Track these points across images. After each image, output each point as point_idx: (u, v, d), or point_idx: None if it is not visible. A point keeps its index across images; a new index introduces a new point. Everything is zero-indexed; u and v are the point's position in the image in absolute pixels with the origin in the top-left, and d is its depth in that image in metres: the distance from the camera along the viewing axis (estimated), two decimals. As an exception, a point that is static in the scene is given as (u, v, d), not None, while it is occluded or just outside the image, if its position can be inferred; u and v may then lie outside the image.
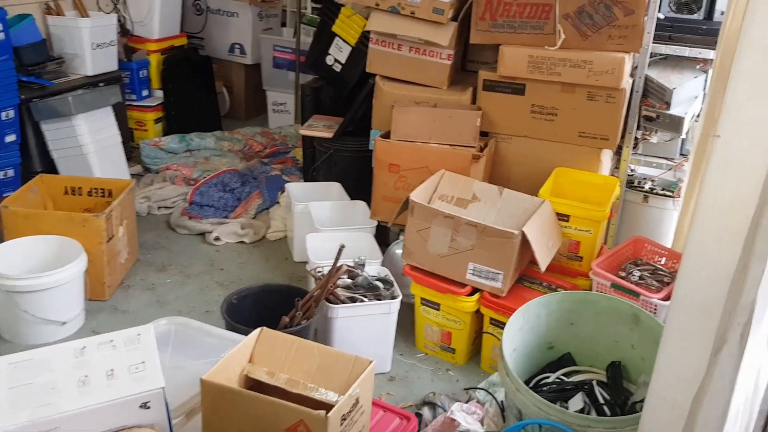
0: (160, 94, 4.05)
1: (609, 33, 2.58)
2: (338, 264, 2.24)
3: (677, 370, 1.02)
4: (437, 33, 2.77)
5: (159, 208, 3.41)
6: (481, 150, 2.73)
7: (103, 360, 1.43)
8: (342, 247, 2.22)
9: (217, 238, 3.14)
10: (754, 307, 0.85)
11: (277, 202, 3.44)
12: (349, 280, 2.35)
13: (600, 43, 2.60)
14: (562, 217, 2.49)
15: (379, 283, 2.35)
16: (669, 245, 2.81)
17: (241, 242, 3.18)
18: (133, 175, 3.65)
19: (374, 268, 2.45)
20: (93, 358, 1.43)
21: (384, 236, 2.97)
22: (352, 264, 2.38)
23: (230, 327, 2.05)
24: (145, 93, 3.98)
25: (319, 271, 2.34)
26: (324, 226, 2.83)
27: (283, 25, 5.14)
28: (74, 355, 1.44)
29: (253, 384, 1.64)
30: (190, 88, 4.24)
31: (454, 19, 2.78)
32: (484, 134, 2.82)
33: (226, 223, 3.22)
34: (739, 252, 0.88)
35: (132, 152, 3.88)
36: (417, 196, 2.42)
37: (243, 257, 3.06)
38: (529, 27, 2.66)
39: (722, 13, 2.84)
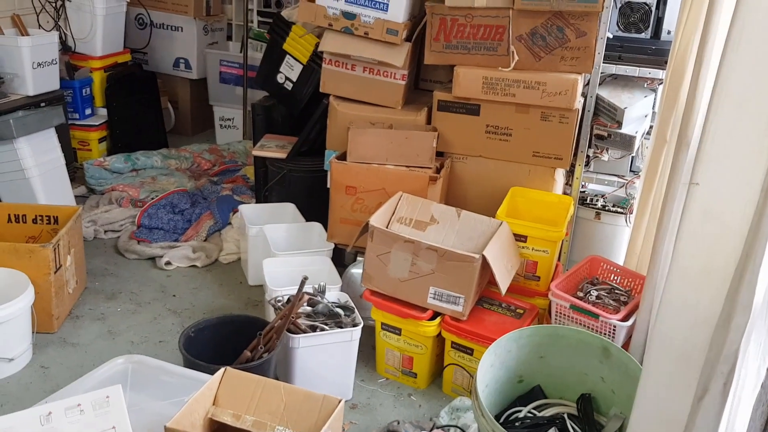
0: (103, 112, 3.92)
1: (562, 54, 2.61)
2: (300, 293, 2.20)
3: (657, 413, 1.03)
4: (391, 54, 2.75)
5: (106, 231, 3.29)
6: (438, 171, 2.73)
7: (71, 427, 1.35)
8: (305, 279, 2.18)
9: (168, 263, 3.05)
10: (737, 356, 0.86)
11: (229, 223, 3.37)
12: (309, 308, 2.31)
13: (553, 65, 2.63)
14: (519, 238, 2.51)
15: (340, 310, 2.31)
16: (622, 261, 2.86)
17: (193, 266, 3.09)
18: (77, 197, 3.52)
19: (334, 294, 2.41)
20: (60, 425, 1.35)
21: (340, 257, 2.94)
22: (312, 291, 2.33)
23: (189, 363, 1.98)
24: (88, 111, 3.84)
25: (279, 301, 2.29)
26: (280, 249, 2.78)
27: (229, 38, 5.06)
28: (40, 422, 1.35)
29: (219, 427, 1.58)
30: (135, 105, 4.12)
31: (407, 39, 2.78)
32: (439, 154, 2.82)
33: (177, 247, 3.13)
34: (722, 301, 0.89)
35: (75, 173, 3.74)
36: (376, 220, 2.40)
37: (196, 282, 2.98)
38: (483, 48, 2.67)
39: (669, 32, 2.93)
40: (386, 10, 2.71)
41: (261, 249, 2.83)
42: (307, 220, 3.04)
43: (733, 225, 0.91)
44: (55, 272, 2.47)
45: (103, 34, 3.86)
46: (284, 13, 3.31)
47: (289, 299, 2.28)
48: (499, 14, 2.60)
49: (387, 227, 2.47)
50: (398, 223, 2.54)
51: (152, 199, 3.49)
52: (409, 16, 2.77)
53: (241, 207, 3.08)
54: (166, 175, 3.86)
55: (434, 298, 2.31)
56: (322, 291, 2.34)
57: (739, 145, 0.90)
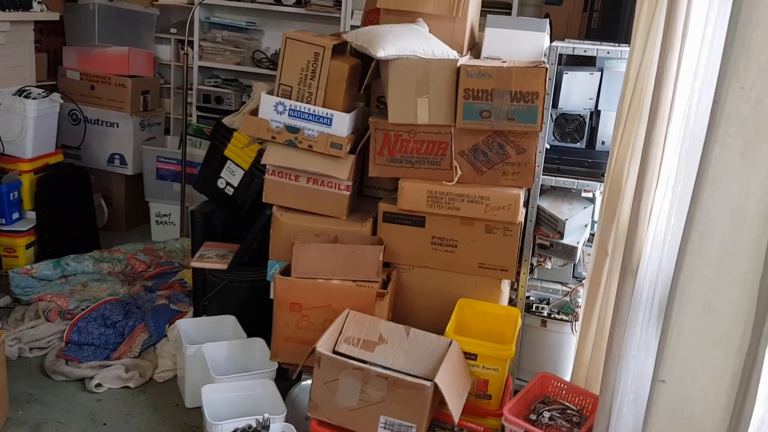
0: (32, 215, 3.75)
1: (503, 170, 2.65)
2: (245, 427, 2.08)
3: None
4: (335, 167, 2.73)
5: (32, 350, 3.08)
6: (385, 284, 2.68)
7: None
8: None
9: (98, 385, 2.86)
10: None
11: (165, 335, 3.21)
12: (254, 443, 2.18)
13: (495, 179, 2.66)
14: (469, 356, 2.47)
15: (286, 444, 2.20)
16: (570, 370, 2.85)
17: (126, 387, 2.91)
18: (0, 309, 3.31)
19: (278, 426, 2.30)
20: None
21: (282, 372, 2.82)
22: (254, 424, 2.21)
23: None
24: (15, 216, 3.67)
25: (220, 437, 2.16)
26: (220, 370, 2.65)
27: (167, 132, 4.98)
28: None
29: None
30: (66, 207, 3.96)
31: (351, 151, 2.77)
32: (386, 264, 2.78)
33: (108, 366, 2.95)
34: None
35: (0, 281, 3.53)
36: (323, 345, 2.32)
37: (128, 406, 2.80)
38: (427, 162, 2.68)
39: (603, 143, 3.02)
40: (330, 125, 2.70)
41: (199, 370, 2.69)
42: (249, 333, 2.93)
43: (704, 426, 0.89)
44: (-27, 409, 2.28)
45: (34, 135, 3.73)
46: (225, 120, 3.28)
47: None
48: (441, 131, 2.63)
49: (334, 348, 2.39)
50: (346, 343, 2.46)
51: (82, 310, 3.31)
52: (352, 129, 2.77)
53: (178, 323, 2.95)
54: (98, 281, 3.68)
55: (385, 428, 2.22)
56: (266, 426, 2.22)
57: (705, 346, 0.89)
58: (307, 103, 2.71)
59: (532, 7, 4.24)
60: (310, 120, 2.71)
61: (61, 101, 3.97)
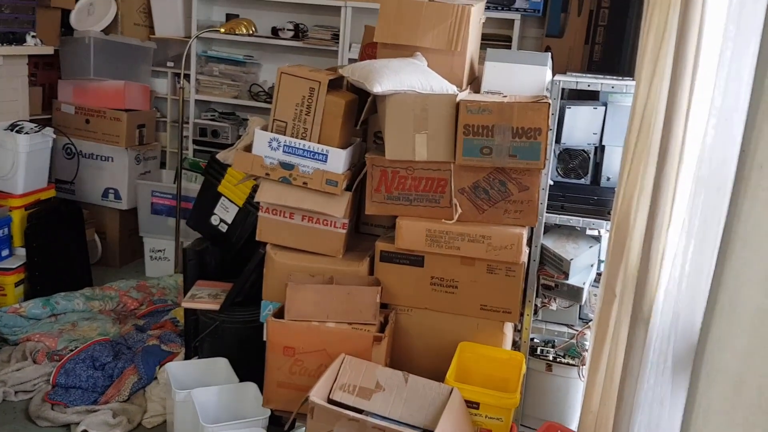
0: (22, 252, 3.65)
1: (505, 207, 2.55)
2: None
3: None
4: (331, 204, 2.64)
5: (17, 393, 2.96)
6: (382, 326, 2.57)
7: None
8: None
9: (84, 431, 2.74)
10: None
11: (155, 378, 3.09)
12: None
13: (496, 217, 2.56)
14: (471, 405, 2.35)
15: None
16: (577, 415, 2.72)
17: (113, 433, 2.79)
18: (-15, 350, 3.21)
19: (270, 480, 2.17)
20: None
21: (276, 418, 2.70)
22: (245, 479, 2.09)
23: None
24: (5, 253, 3.58)
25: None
26: (210, 416, 2.53)
27: (163, 165, 4.91)
28: None
29: None
30: (58, 243, 3.86)
31: (348, 188, 2.68)
32: (383, 306, 2.67)
33: (95, 411, 2.83)
34: None
35: (-14, 321, 3.43)
36: (317, 393, 2.20)
37: (115, 454, 2.67)
38: (425, 200, 2.59)
39: (608, 179, 2.93)
40: (325, 161, 2.62)
41: (189, 416, 2.57)
42: (241, 375, 2.81)
43: None
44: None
45: (26, 171, 3.66)
46: (219, 155, 3.20)
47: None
48: (440, 168, 2.55)
49: (329, 396, 2.28)
50: (341, 391, 2.34)
51: (71, 350, 3.20)
52: (348, 165, 2.68)
53: (168, 366, 2.83)
54: (88, 320, 3.57)
55: (382, 483, 2.09)
56: (256, 482, 2.09)
57: (735, 426, 0.78)
58: (302, 139, 2.63)
59: (532, 40, 4.19)
60: (305, 156, 2.63)
61: (54, 136, 3.91)
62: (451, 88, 2.55)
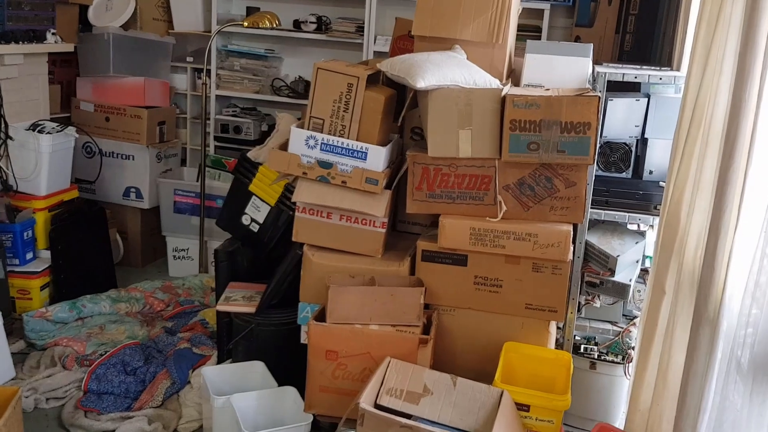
0: (47, 255, 3.59)
1: (551, 204, 2.48)
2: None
3: None
4: (371, 203, 2.58)
5: (48, 400, 2.91)
6: (426, 328, 2.51)
7: None
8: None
9: (120, 439, 2.69)
10: None
11: (189, 382, 3.03)
12: None
13: (542, 215, 2.49)
14: (521, 407, 2.29)
15: None
16: (622, 413, 2.66)
17: (150, 440, 2.73)
18: (14, 354, 3.14)
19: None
20: None
21: (316, 423, 2.64)
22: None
23: None
24: (29, 256, 3.51)
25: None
26: (250, 422, 2.47)
27: (183, 162, 4.84)
28: None
29: None
30: (82, 245, 3.80)
31: (387, 186, 2.61)
32: (425, 306, 2.61)
33: (130, 418, 2.77)
34: None
35: (13, 324, 3.37)
36: (366, 400, 2.14)
37: (154, 462, 2.62)
38: (469, 198, 2.52)
39: (651, 172, 2.85)
40: (365, 159, 2.55)
41: (228, 422, 2.51)
42: (278, 380, 2.74)
43: None
44: (-11, 475, 2.11)
45: (49, 172, 3.59)
46: (250, 154, 3.13)
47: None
48: (484, 164, 2.47)
49: (376, 402, 2.21)
50: (388, 395, 2.28)
51: (101, 355, 3.14)
52: (388, 163, 2.61)
53: (203, 371, 2.76)
54: (116, 323, 3.51)
55: (437, 492, 2.04)
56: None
57: None
58: (340, 136, 2.56)
59: (562, 30, 4.10)
60: (343, 154, 2.56)
61: (77, 135, 3.83)
62: (494, 82, 2.48)
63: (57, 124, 3.75)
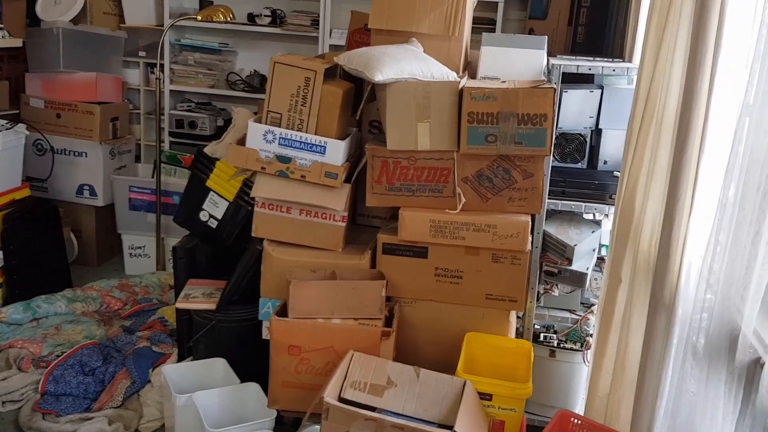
0: (-1, 256, 3.50)
1: (509, 195, 2.51)
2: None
3: None
4: (331, 197, 2.57)
5: (4, 403, 2.84)
6: (388, 320, 2.52)
7: None
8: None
9: (79, 441, 2.64)
10: None
11: (149, 381, 2.99)
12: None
13: (501, 206, 2.52)
14: (484, 397, 2.31)
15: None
16: (581, 399, 2.72)
17: (111, 441, 2.69)
18: (-35, 359, 3.06)
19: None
20: None
21: (279, 418, 2.63)
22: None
23: None
24: (-20, 258, 3.42)
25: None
26: (213, 419, 2.46)
27: (138, 159, 4.76)
28: None
29: None
30: (36, 244, 3.71)
31: (347, 180, 2.61)
32: (387, 299, 2.62)
33: (90, 419, 2.73)
34: None
35: (-36, 329, 3.28)
36: (330, 393, 2.14)
37: (115, 463, 2.58)
38: (428, 190, 2.54)
39: (605, 162, 2.91)
40: (324, 153, 2.54)
41: (191, 421, 2.49)
42: (240, 376, 2.73)
43: None
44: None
45: (-1, 171, 3.50)
46: (207, 149, 3.09)
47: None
48: (443, 157, 2.49)
49: (340, 395, 2.22)
50: (352, 388, 2.28)
51: (57, 356, 3.08)
52: (347, 157, 2.61)
53: (164, 369, 2.73)
54: (72, 323, 3.44)
55: (402, 483, 2.05)
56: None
57: None
58: (298, 130, 2.55)
59: (515, 22, 4.15)
60: (302, 149, 2.55)
61: (27, 132, 3.73)
62: (452, 75, 2.49)
63: (6, 122, 3.65)
